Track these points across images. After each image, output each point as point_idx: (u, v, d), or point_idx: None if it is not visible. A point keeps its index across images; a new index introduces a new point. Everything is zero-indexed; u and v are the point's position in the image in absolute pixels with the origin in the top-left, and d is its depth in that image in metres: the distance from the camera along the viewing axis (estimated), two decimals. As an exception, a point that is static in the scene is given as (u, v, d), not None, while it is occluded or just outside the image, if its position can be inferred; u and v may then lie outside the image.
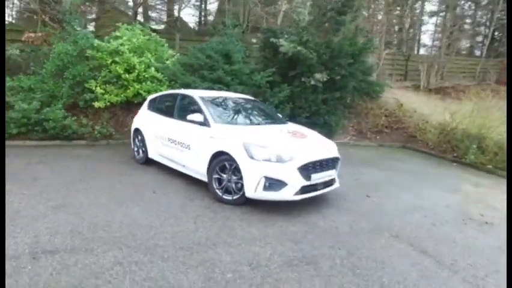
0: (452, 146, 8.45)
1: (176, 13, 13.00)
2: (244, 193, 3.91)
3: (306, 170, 3.87)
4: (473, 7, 21.16)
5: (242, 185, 3.92)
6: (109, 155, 6.34)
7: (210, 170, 4.25)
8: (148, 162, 5.65)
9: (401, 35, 17.72)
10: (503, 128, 7.31)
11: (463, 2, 19.81)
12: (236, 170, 3.98)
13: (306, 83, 8.41)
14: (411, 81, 15.14)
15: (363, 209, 4.39)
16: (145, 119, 5.79)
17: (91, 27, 11.98)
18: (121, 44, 7.55)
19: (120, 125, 7.90)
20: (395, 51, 16.41)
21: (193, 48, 8.40)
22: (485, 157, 7.52)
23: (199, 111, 4.61)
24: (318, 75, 8.20)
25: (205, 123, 4.45)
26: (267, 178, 3.78)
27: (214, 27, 11.34)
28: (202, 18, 17.45)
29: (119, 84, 7.69)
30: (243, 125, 4.68)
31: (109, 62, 7.51)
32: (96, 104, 7.46)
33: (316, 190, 4.07)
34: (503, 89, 12.03)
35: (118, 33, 7.89)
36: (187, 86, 7.30)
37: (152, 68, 7.73)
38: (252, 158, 3.83)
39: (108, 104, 7.61)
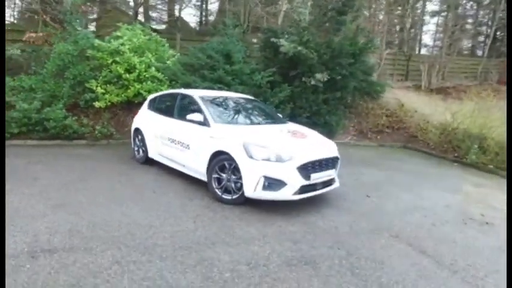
0: (453, 146, 8.42)
1: (177, 13, 13.00)
2: (243, 193, 3.91)
3: (306, 169, 3.87)
4: (475, 7, 21.11)
5: (241, 184, 3.92)
6: (109, 154, 6.35)
7: (210, 169, 4.25)
8: (148, 161, 5.65)
9: (402, 34, 17.68)
10: (505, 128, 7.28)
11: (464, 1, 19.77)
12: (235, 170, 3.98)
13: (307, 83, 8.39)
14: (413, 81, 15.11)
15: (363, 209, 4.38)
16: (145, 119, 5.80)
17: (92, 27, 12.00)
18: (122, 44, 7.55)
19: (121, 124, 7.92)
20: (396, 51, 16.38)
21: (193, 48, 8.40)
22: (487, 157, 7.50)
23: (199, 110, 4.62)
24: (318, 75, 8.18)
25: (204, 122, 4.45)
26: (266, 178, 3.77)
27: (214, 27, 11.35)
28: (203, 18, 17.47)
29: (120, 84, 7.70)
30: (242, 125, 4.68)
31: (109, 61, 7.52)
32: (97, 104, 7.47)
33: (315, 190, 4.06)
34: (505, 89, 11.98)
35: (118, 33, 7.90)
36: (188, 85, 7.30)
37: (153, 68, 7.74)
38: (251, 157, 3.83)
39: (109, 103, 7.63)
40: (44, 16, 8.49)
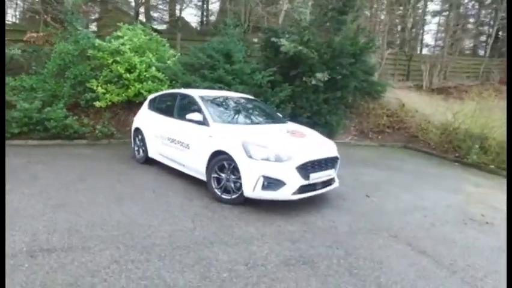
0: (454, 146, 8.40)
1: (177, 13, 13.01)
2: (242, 192, 3.91)
3: (305, 169, 3.86)
4: (476, 6, 21.03)
5: (240, 184, 3.91)
6: (109, 154, 6.36)
7: (209, 169, 4.25)
8: (148, 161, 5.66)
9: (404, 34, 17.62)
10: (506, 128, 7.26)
11: (466, 1, 19.71)
12: (235, 169, 3.98)
13: (307, 83, 8.39)
14: (414, 81, 15.07)
15: (363, 209, 4.37)
16: (145, 119, 5.81)
17: (93, 27, 12.03)
18: (122, 44, 7.57)
19: (121, 124, 7.93)
20: (397, 51, 16.34)
21: (194, 47, 8.41)
22: (488, 157, 7.48)
23: (199, 110, 4.62)
24: (319, 75, 8.17)
25: (204, 122, 4.46)
26: (265, 177, 3.77)
27: (215, 27, 11.35)
28: (204, 18, 17.48)
29: (121, 84, 7.71)
30: (242, 124, 4.67)
31: (110, 61, 7.53)
32: (97, 104, 7.49)
33: (315, 190, 4.06)
34: (507, 89, 11.93)
35: (119, 33, 7.92)
36: (188, 85, 7.31)
37: (153, 68, 7.75)
38: (250, 157, 3.83)
39: (109, 103, 7.65)
40: (45, 16, 8.51)
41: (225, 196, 4.09)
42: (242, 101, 5.47)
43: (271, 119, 5.20)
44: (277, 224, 3.64)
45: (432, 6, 20.06)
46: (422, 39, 20.80)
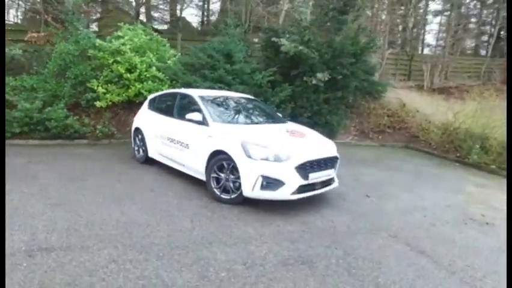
0: (455, 146, 8.37)
1: (178, 13, 13.02)
2: (241, 192, 3.91)
3: (304, 169, 3.86)
4: (478, 6, 20.96)
5: (240, 184, 3.91)
6: (109, 154, 6.37)
7: (208, 169, 4.25)
8: (149, 161, 5.67)
9: (405, 34, 17.59)
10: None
11: (468, 0, 19.64)
12: (234, 169, 3.98)
13: (308, 83, 8.38)
14: (415, 81, 15.03)
15: (363, 209, 4.36)
16: (145, 119, 5.81)
17: (94, 27, 12.06)
18: (123, 44, 7.58)
19: (122, 124, 7.94)
20: (398, 51, 16.30)
21: (194, 47, 8.42)
22: (489, 157, 7.45)
23: (198, 110, 4.62)
24: (319, 75, 8.17)
25: (203, 122, 4.46)
26: (264, 177, 3.77)
27: (216, 27, 11.35)
28: (205, 18, 17.49)
29: (121, 84, 7.73)
30: (241, 124, 4.67)
31: (110, 61, 7.55)
32: (98, 104, 7.51)
33: (314, 190, 4.05)
34: (508, 89, 11.88)
35: (119, 33, 7.93)
36: (188, 85, 7.31)
37: (154, 68, 7.76)
38: (249, 157, 3.83)
39: (110, 103, 7.66)
40: (46, 16, 8.53)
41: (224, 196, 4.09)
42: (242, 101, 5.47)
43: (271, 118, 5.19)
44: (276, 224, 3.64)
45: (433, 6, 20.04)
46: (423, 39, 20.78)
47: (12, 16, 14.53)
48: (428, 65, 14.26)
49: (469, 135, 8.10)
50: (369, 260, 3.05)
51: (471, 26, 20.75)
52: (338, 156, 4.47)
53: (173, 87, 7.50)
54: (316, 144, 4.40)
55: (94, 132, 7.34)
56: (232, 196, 4.03)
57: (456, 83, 14.91)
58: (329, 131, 8.33)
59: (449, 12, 18.65)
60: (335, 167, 4.41)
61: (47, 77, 7.56)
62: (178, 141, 4.86)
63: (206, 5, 17.01)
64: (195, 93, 5.13)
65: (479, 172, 7.12)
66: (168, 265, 2.67)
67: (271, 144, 3.95)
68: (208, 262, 2.77)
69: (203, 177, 4.40)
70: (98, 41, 7.52)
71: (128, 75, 7.54)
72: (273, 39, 8.32)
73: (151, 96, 6.17)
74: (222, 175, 4.11)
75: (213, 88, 7.04)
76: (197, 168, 4.47)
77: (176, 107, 5.22)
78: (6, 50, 7.47)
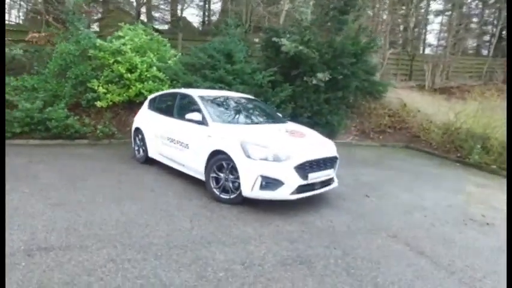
0: (456, 146, 8.35)
1: (179, 13, 13.04)
2: (241, 192, 3.91)
3: (303, 169, 3.85)
4: (480, 5, 20.90)
5: (239, 184, 3.91)
6: (110, 154, 6.38)
7: (208, 169, 4.26)
8: (149, 161, 5.67)
9: (406, 34, 17.56)
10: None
11: (469, 0, 19.59)
12: (233, 169, 3.98)
13: (308, 83, 8.38)
14: (416, 81, 15.00)
15: (362, 209, 4.35)
16: (145, 118, 5.82)
17: (95, 27, 12.09)
18: (123, 44, 7.59)
19: (122, 124, 7.95)
20: (399, 51, 16.27)
21: (195, 47, 8.43)
22: (490, 157, 7.43)
23: (198, 110, 4.62)
24: (320, 75, 8.16)
25: (203, 122, 4.46)
26: (263, 177, 3.77)
27: (216, 27, 11.36)
28: (206, 18, 17.51)
29: (122, 84, 7.74)
30: (241, 124, 4.67)
31: (111, 61, 7.56)
32: (98, 104, 7.52)
33: (313, 189, 4.05)
34: (510, 89, 11.83)
35: (120, 33, 7.94)
36: (189, 85, 7.32)
37: (154, 68, 7.77)
38: (248, 157, 3.83)
39: (110, 103, 7.67)
40: (47, 16, 8.56)
41: (223, 196, 4.09)
42: (242, 101, 5.47)
43: (271, 118, 5.19)
44: (276, 223, 3.63)
45: (435, 6, 20.03)
46: (424, 39, 20.75)
47: (14, 17, 14.59)
48: (429, 65, 14.23)
49: (470, 135, 8.08)
50: (368, 260, 3.04)
51: (473, 25, 20.69)
52: (338, 156, 4.47)
53: (174, 87, 7.51)
54: (315, 144, 4.40)
55: (95, 132, 7.36)
56: (232, 196, 4.03)
57: (457, 83, 14.87)
58: (329, 131, 8.32)
59: (450, 12, 18.61)
60: (335, 167, 4.40)
61: (47, 77, 7.58)
62: (178, 141, 4.86)
63: (207, 5, 17.04)
64: (194, 93, 5.14)
65: (480, 172, 7.10)
66: (166, 265, 2.68)
67: (270, 144, 3.95)
68: (206, 262, 2.77)
69: (203, 177, 4.40)
70: (98, 41, 7.54)
71: (129, 75, 7.55)
72: (274, 39, 8.32)
73: (151, 96, 6.17)
74: (222, 175, 4.11)
75: (214, 88, 7.05)
76: (197, 168, 4.47)
77: (176, 107, 5.22)
78: (7, 50, 7.50)
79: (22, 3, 13.83)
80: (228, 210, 3.90)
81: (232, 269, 2.69)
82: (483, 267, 3.12)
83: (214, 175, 4.18)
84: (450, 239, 3.66)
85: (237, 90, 7.10)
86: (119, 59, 7.55)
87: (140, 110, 6.18)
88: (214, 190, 4.17)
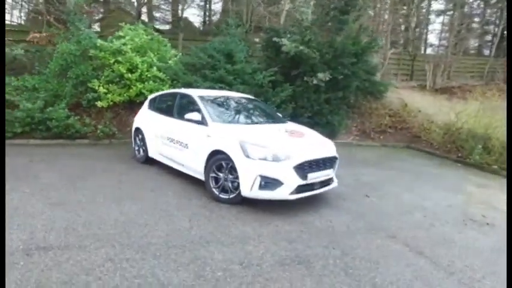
0: (456, 146, 8.33)
1: (180, 13, 13.06)
2: (240, 192, 3.91)
3: (302, 169, 3.85)
4: (482, 5, 20.84)
5: (238, 184, 3.91)
6: (110, 154, 6.39)
7: (207, 168, 4.26)
8: (149, 161, 5.68)
9: (407, 34, 17.52)
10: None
11: (471, 0, 19.53)
12: (232, 169, 3.98)
13: (309, 83, 8.37)
14: (417, 81, 14.97)
15: (362, 209, 4.34)
16: (146, 118, 5.83)
17: (96, 27, 12.11)
18: (124, 44, 7.60)
19: (123, 124, 7.96)
20: (401, 51, 16.24)
21: (195, 47, 8.43)
22: (491, 157, 7.41)
23: (197, 110, 4.63)
24: (320, 75, 8.15)
25: (202, 122, 4.46)
26: (262, 177, 3.76)
27: (217, 27, 11.37)
28: (207, 18, 17.52)
29: (122, 84, 7.75)
30: (240, 124, 4.67)
31: (111, 61, 7.57)
32: (99, 104, 7.53)
33: (312, 189, 4.04)
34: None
35: (121, 33, 7.96)
36: (189, 85, 7.32)
37: (155, 68, 7.77)
38: (248, 156, 3.83)
39: (111, 103, 7.68)
40: (48, 17, 8.58)
41: (222, 196, 4.09)
42: (242, 101, 5.47)
43: (271, 118, 5.18)
44: (275, 223, 3.63)
45: (436, 6, 19.97)
46: (426, 39, 20.69)
47: (16, 17, 14.63)
48: (430, 64, 14.19)
49: (471, 135, 8.06)
50: (367, 260, 3.03)
51: (474, 25, 20.63)
52: (337, 156, 4.46)
53: (174, 87, 7.51)
54: (315, 144, 4.39)
55: (95, 132, 7.37)
56: (231, 196, 4.03)
57: (459, 83, 14.82)
58: (330, 131, 8.32)
59: (452, 12, 18.56)
60: (334, 167, 4.40)
61: (48, 77, 7.60)
62: (178, 141, 4.86)
63: (208, 5, 17.05)
64: (194, 93, 5.14)
65: (481, 172, 7.08)
66: (165, 264, 2.68)
67: (269, 144, 3.95)
68: (205, 261, 2.77)
69: (202, 177, 4.40)
70: (99, 41, 7.55)
71: (129, 75, 7.56)
72: (274, 39, 8.32)
73: (151, 96, 6.18)
74: (221, 175, 4.12)
75: (214, 88, 7.05)
76: (196, 168, 4.48)
77: (176, 107, 5.23)
78: (9, 50, 7.53)
79: (24, 3, 13.89)
80: (227, 210, 3.90)
81: (231, 269, 2.69)
82: (482, 267, 3.12)
83: (214, 175, 4.18)
84: (450, 239, 3.65)
85: (238, 90, 7.10)
86: (119, 59, 7.56)
87: (140, 110, 6.19)
88: (214, 190, 4.17)
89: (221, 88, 7.20)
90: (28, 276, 2.40)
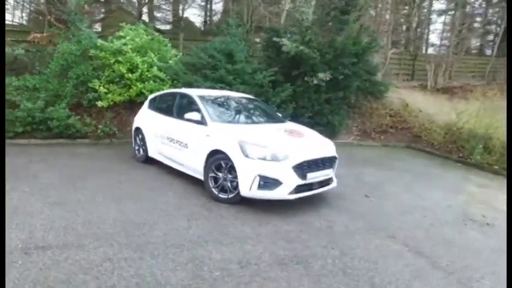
0: (457, 146, 8.30)
1: (180, 13, 13.07)
2: (239, 192, 3.91)
3: (301, 169, 3.85)
4: (483, 5, 20.76)
5: (237, 183, 3.91)
6: (110, 154, 6.39)
7: (206, 168, 4.26)
8: (149, 161, 5.68)
9: (408, 34, 17.48)
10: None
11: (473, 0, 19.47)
12: (231, 169, 3.97)
13: (309, 83, 8.36)
14: (419, 80, 14.94)
15: (362, 209, 4.34)
16: (146, 118, 5.84)
17: (97, 27, 12.13)
18: (124, 44, 7.60)
19: (123, 124, 7.97)
20: (402, 51, 16.20)
21: (196, 47, 8.43)
22: (492, 157, 7.38)
23: (197, 109, 4.63)
24: (321, 75, 8.13)
25: (202, 121, 4.46)
26: (261, 177, 3.76)
27: (217, 27, 11.37)
28: (208, 18, 17.53)
29: (123, 84, 7.75)
30: (239, 124, 4.68)
31: (112, 61, 7.57)
32: (99, 103, 7.53)
33: (311, 189, 4.04)
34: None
35: (121, 33, 7.96)
36: (189, 85, 7.32)
37: (155, 68, 7.77)
38: (247, 156, 3.83)
39: (111, 103, 7.68)
40: (49, 17, 8.60)
41: (221, 195, 4.09)
42: (242, 100, 5.46)
43: (270, 118, 5.18)
44: (274, 223, 3.63)
45: (437, 5, 19.89)
46: (427, 39, 20.62)
47: (18, 17, 14.67)
48: (431, 64, 14.15)
49: (472, 135, 8.03)
50: (365, 260, 3.03)
51: (476, 25, 20.56)
52: (337, 156, 4.45)
53: (175, 87, 7.51)
54: (314, 144, 4.39)
55: (96, 131, 7.38)
56: (230, 195, 4.03)
57: (460, 82, 14.78)
58: (330, 131, 8.30)
59: (453, 12, 18.50)
60: (334, 166, 4.39)
61: (49, 77, 7.61)
62: (177, 141, 4.87)
63: (209, 5, 17.06)
64: (194, 92, 5.15)
65: (482, 172, 7.05)
66: (163, 264, 2.68)
67: (268, 143, 3.95)
68: (202, 261, 2.77)
69: (201, 177, 4.40)
70: (99, 41, 7.55)
71: (130, 75, 7.56)
72: (275, 39, 8.31)
73: (151, 96, 6.19)
74: (220, 174, 4.12)
75: (214, 88, 7.04)
76: (195, 167, 4.48)
77: (176, 107, 5.23)
78: (9, 50, 7.55)
79: (25, 4, 13.93)
80: (226, 209, 3.90)
81: (228, 268, 2.69)
82: (482, 267, 3.11)
83: (213, 175, 4.18)
84: (449, 239, 3.64)
85: (238, 90, 7.10)
86: (120, 59, 7.56)
87: (140, 110, 6.20)
88: (213, 190, 4.17)
89: (221, 88, 7.20)
90: (26, 275, 2.40)
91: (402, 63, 15.66)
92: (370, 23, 12.50)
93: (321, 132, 5.09)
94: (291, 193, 3.82)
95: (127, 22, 8.48)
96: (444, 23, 20.59)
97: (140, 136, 5.85)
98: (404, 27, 18.31)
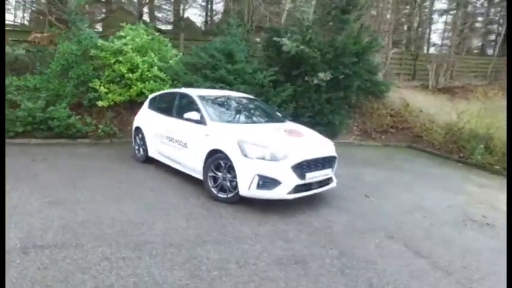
0: (458, 146, 8.28)
1: (181, 13, 13.08)
2: (238, 191, 3.90)
3: (301, 168, 3.84)
4: (485, 4, 20.69)
5: (236, 183, 3.91)
6: (110, 153, 6.40)
7: (206, 168, 4.26)
8: (149, 160, 5.68)
9: (410, 33, 17.44)
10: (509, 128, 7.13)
11: (474, -1, 19.42)
12: (230, 168, 3.97)
13: (310, 82, 8.35)
14: (420, 80, 14.89)
15: (361, 209, 4.33)
16: (146, 118, 5.84)
17: (98, 27, 12.15)
18: (125, 44, 7.60)
19: (124, 124, 7.98)
20: (403, 50, 16.16)
21: (196, 47, 8.44)
22: (493, 157, 7.36)
23: (196, 109, 4.63)
24: (321, 74, 8.12)
25: (201, 121, 4.46)
26: (260, 176, 3.76)
27: (218, 27, 11.37)
28: (209, 18, 17.54)
29: (123, 84, 7.76)
30: (239, 124, 4.68)
31: (112, 61, 7.58)
32: (100, 103, 7.54)
33: (311, 189, 4.03)
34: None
35: (121, 33, 7.97)
36: (190, 85, 7.32)
37: (155, 68, 7.77)
38: (246, 156, 3.82)
39: (112, 103, 7.68)
40: (50, 17, 8.62)
41: (221, 195, 4.09)
42: (241, 100, 5.46)
43: (270, 118, 5.18)
44: (272, 223, 3.62)
45: (439, 5, 19.84)
46: (428, 38, 20.57)
47: (19, 18, 14.72)
48: (433, 64, 14.10)
49: (472, 135, 8.01)
50: (364, 260, 3.02)
51: (478, 25, 20.49)
52: (336, 155, 4.44)
53: (175, 87, 7.51)
54: (314, 144, 4.38)
55: (96, 131, 7.39)
56: (229, 195, 4.03)
57: (462, 82, 14.72)
58: (331, 131, 8.29)
59: (455, 11, 18.43)
60: (333, 166, 4.38)
61: (50, 76, 7.63)
62: (177, 141, 4.87)
63: (210, 5, 17.07)
64: (194, 92, 5.14)
65: (482, 172, 7.03)
66: (161, 263, 2.68)
67: (267, 143, 3.94)
68: (200, 261, 2.76)
69: (200, 176, 4.40)
70: (100, 41, 7.56)
71: (130, 75, 7.56)
72: (275, 38, 8.30)
73: (151, 96, 6.20)
74: (219, 174, 4.11)
75: (214, 88, 7.04)
76: (195, 167, 4.48)
77: (175, 107, 5.23)
78: (11, 50, 7.57)
79: (26, 4, 13.97)
80: (225, 209, 3.89)
81: (226, 268, 2.69)
82: (482, 268, 3.09)
83: (212, 174, 4.18)
84: (449, 240, 3.62)
85: (238, 90, 7.09)
86: (120, 58, 7.57)
87: (140, 110, 6.20)
88: (212, 189, 4.17)
89: (222, 88, 7.19)
90: (24, 274, 2.41)
91: (403, 63, 15.62)
92: (371, 22, 12.48)
93: (321, 132, 5.09)
94: (290, 193, 3.81)
95: (127, 22, 8.48)
96: (445, 23, 20.58)
97: (140, 136, 5.86)
98: (405, 27, 18.28)
